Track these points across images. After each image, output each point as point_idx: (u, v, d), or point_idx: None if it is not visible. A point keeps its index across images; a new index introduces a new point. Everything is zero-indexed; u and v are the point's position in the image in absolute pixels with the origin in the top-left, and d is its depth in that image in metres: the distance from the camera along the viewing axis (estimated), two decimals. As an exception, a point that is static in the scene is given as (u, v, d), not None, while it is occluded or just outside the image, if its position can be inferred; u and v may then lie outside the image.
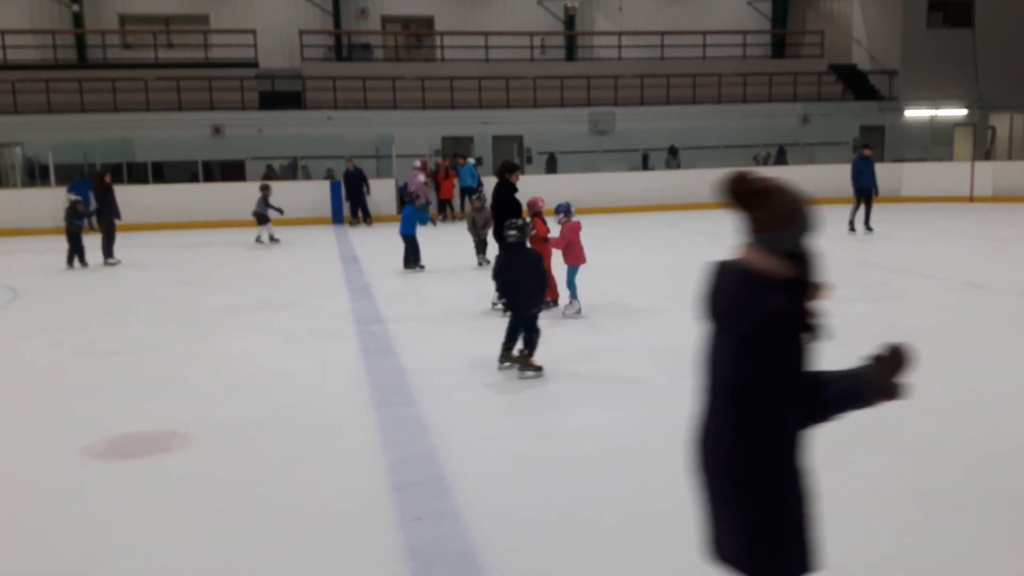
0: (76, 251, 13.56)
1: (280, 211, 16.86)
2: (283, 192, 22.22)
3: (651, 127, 26.76)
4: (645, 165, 26.34)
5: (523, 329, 6.42)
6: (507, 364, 6.55)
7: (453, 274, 12.09)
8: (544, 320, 7.13)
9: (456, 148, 25.39)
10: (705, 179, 24.19)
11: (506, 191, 9.04)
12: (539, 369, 6.35)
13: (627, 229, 18.34)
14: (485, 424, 5.35)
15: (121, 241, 14.89)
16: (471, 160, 22.05)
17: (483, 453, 4.81)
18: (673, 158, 26.10)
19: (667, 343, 7.37)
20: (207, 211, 21.41)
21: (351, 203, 21.11)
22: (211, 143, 24.74)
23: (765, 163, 26.99)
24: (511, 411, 5.64)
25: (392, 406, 5.78)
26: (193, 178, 23.71)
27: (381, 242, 16.93)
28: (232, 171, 23.79)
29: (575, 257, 8.67)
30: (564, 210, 8.72)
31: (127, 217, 15.48)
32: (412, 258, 12.58)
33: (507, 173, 9.07)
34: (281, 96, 26.83)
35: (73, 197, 14.10)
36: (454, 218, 21.91)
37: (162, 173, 25.00)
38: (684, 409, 3.47)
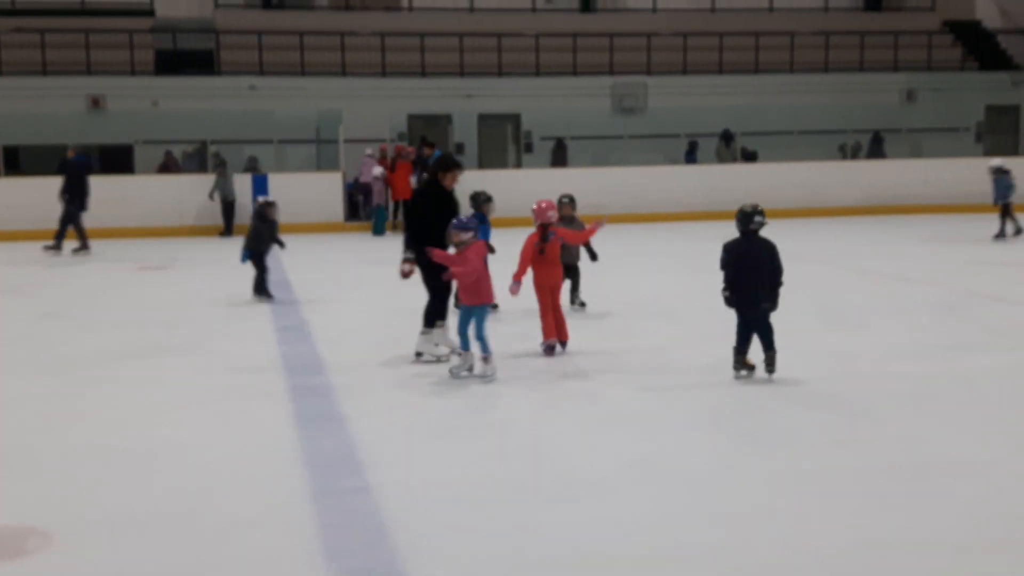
0: None
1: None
2: (185, 189, 22.31)
3: (697, 104, 26.98)
4: (691, 156, 26.40)
5: (755, 330, 7.93)
6: (744, 373, 8.05)
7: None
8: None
9: (428, 131, 25.53)
10: (772, 176, 24.40)
11: (434, 195, 9.10)
12: (749, 368, 8.04)
13: (664, 245, 18.37)
14: (464, 517, 5.29)
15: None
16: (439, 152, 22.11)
17: (465, 560, 4.74)
18: (726, 147, 26.28)
19: (738, 425, 7.33)
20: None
21: (67, 212, 18.41)
22: (87, 120, 24.83)
23: (855, 155, 27.18)
24: (481, 500, 5.57)
25: (338, 495, 5.71)
26: (62, 168, 23.72)
27: (326, 261, 16.90)
28: (116, 159, 23.85)
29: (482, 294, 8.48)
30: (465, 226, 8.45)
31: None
32: (260, 284, 12.61)
33: (442, 172, 9.13)
34: (185, 57, 26.99)
35: None
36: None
37: (17, 161, 25.03)
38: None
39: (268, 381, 8.50)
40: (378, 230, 21.63)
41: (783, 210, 23.49)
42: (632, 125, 27.02)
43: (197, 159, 24.66)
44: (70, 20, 26.17)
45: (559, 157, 26.37)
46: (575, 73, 27.69)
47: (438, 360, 9.06)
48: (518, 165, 27.07)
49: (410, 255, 8.87)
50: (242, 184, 21.78)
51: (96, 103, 25.06)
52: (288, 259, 17.02)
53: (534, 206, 9.33)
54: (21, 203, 21.25)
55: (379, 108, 25.44)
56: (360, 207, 23.75)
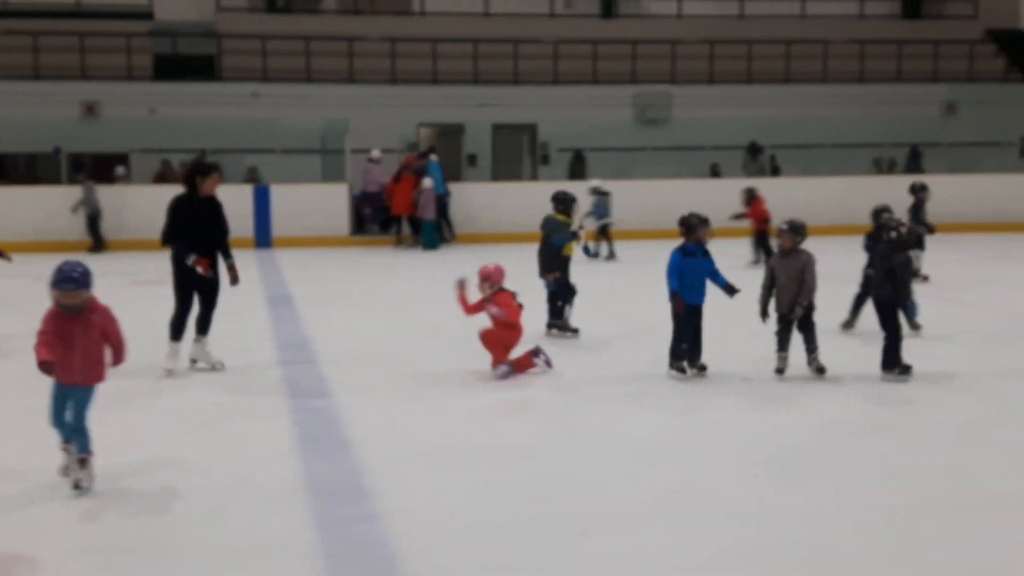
0: None
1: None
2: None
3: (723, 115, 26.97)
4: (715, 172, 26.42)
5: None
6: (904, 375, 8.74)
7: (437, 323, 12.06)
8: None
9: (437, 142, 25.57)
10: (802, 191, 24.31)
11: (189, 201, 9.57)
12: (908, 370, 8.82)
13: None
14: (477, 550, 5.26)
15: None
16: (434, 157, 22.05)
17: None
18: (753, 160, 26.26)
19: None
20: (70, 227, 21.45)
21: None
22: (82, 128, 24.97)
23: (891, 171, 27.10)
24: (495, 531, 5.53)
25: (343, 523, 5.70)
26: (54, 177, 23.90)
27: (331, 277, 16.93)
28: (112, 168, 23.93)
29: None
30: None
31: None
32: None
33: (198, 176, 9.55)
34: (185, 62, 27.14)
35: None
36: (418, 243, 21.68)
37: (5, 169, 25.17)
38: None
39: (270, 403, 8.51)
40: (429, 244, 21.37)
41: (814, 227, 23.40)
42: (655, 137, 27.01)
43: (196, 169, 24.72)
44: (64, 22, 26.34)
45: (577, 169, 26.33)
46: (595, 82, 27.69)
47: (212, 367, 9.56)
48: (534, 177, 27.07)
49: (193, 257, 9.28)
50: (242, 195, 21.81)
51: (91, 110, 25.18)
52: (291, 274, 17.03)
53: (483, 270, 9.40)
54: (10, 212, 21.27)
55: (388, 117, 25.49)
56: (366, 220, 23.77)
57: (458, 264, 15.87)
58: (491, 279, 9.31)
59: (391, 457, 6.93)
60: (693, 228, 8.97)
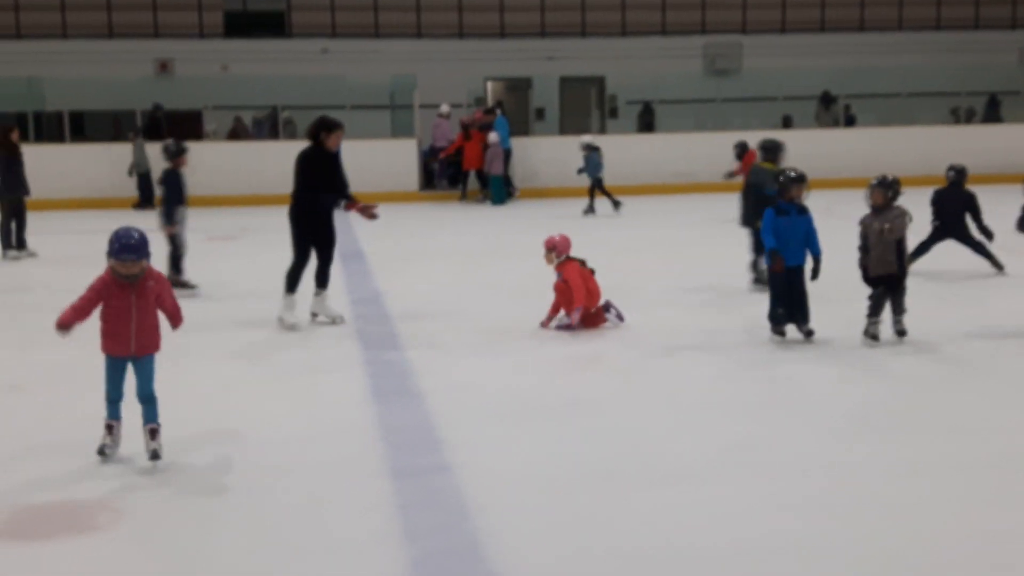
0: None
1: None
2: (255, 156, 22.56)
3: (795, 65, 26.49)
4: (787, 123, 26.03)
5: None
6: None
7: (503, 276, 12.09)
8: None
9: (504, 96, 25.48)
10: (876, 142, 23.91)
11: (316, 156, 9.70)
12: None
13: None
14: (547, 503, 5.30)
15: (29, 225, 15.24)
16: (501, 112, 21.97)
17: (549, 548, 4.75)
18: (826, 111, 25.84)
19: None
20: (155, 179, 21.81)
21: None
22: (155, 85, 25.25)
23: (968, 120, 26.51)
24: (565, 484, 5.56)
25: (417, 474, 5.76)
26: (157, 134, 24.07)
27: (402, 232, 17.03)
28: (185, 125, 24.23)
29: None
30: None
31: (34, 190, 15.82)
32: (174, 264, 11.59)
33: (323, 132, 9.70)
34: (256, 19, 27.29)
35: None
36: (489, 198, 21.67)
37: (83, 127, 25.52)
38: None
39: (344, 355, 8.61)
40: (497, 198, 21.46)
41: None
42: (725, 88, 26.65)
43: (266, 126, 24.92)
44: (137, -20, 26.59)
45: (646, 122, 26.13)
46: (664, 32, 27.40)
47: (333, 321, 9.67)
48: (602, 131, 26.91)
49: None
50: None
51: (164, 67, 25.47)
52: (363, 230, 17.14)
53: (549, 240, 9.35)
54: (86, 170, 21.65)
55: (455, 71, 25.44)
56: (435, 175, 23.83)
57: (527, 220, 15.91)
58: (557, 249, 9.25)
59: (462, 410, 6.97)
60: (786, 186, 8.50)
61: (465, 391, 7.46)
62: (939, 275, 11.36)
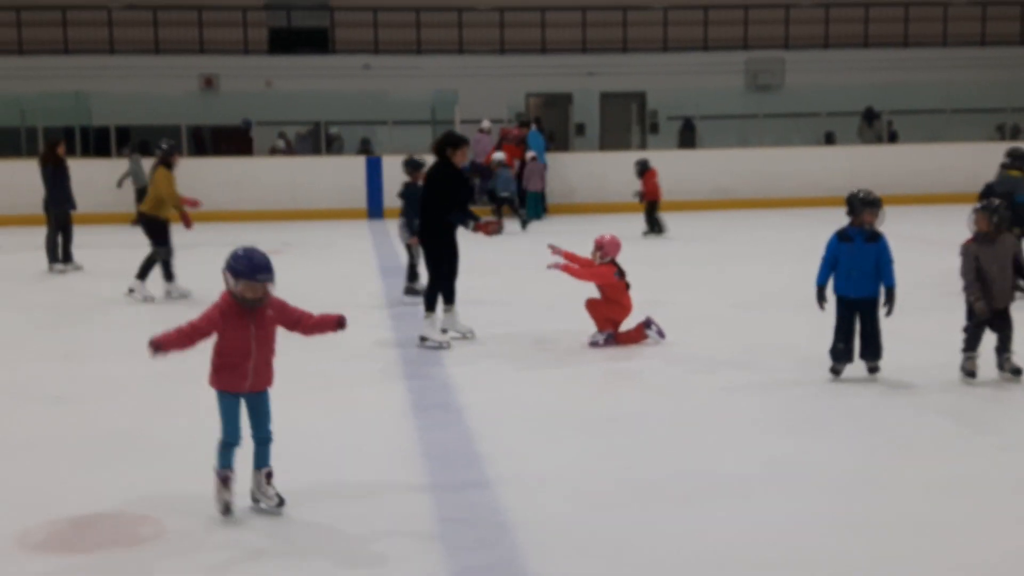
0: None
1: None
2: (299, 171, 22.72)
3: (839, 81, 26.35)
4: (829, 139, 25.90)
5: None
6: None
7: (540, 292, 12.09)
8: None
9: (543, 112, 25.50)
10: (920, 158, 23.71)
11: (448, 174, 9.47)
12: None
13: (801, 233, 18.01)
14: (587, 517, 5.27)
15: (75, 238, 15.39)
16: (535, 127, 21.92)
17: (589, 564, 4.72)
18: (869, 127, 25.64)
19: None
20: (196, 195, 21.96)
21: None
22: (200, 100, 25.52)
23: (1014, 136, 26.21)
24: (605, 499, 5.53)
25: (456, 488, 5.75)
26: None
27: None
28: (230, 140, 24.49)
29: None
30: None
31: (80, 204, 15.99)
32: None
33: (449, 148, 9.45)
34: (299, 35, 27.56)
35: None
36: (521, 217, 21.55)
37: (129, 141, 25.78)
38: None
39: (384, 368, 8.64)
40: (534, 213, 21.33)
41: (932, 195, 22.83)
42: (767, 104, 26.52)
43: (309, 141, 25.09)
44: (183, -2, 26.93)
45: (687, 138, 26.04)
46: (706, 48, 27.33)
47: (440, 346, 9.29)
48: (643, 147, 26.86)
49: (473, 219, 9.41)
50: (355, 166, 22.06)
51: (209, 83, 25.72)
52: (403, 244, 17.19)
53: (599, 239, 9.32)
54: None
55: (496, 87, 25.52)
56: (476, 190, 23.84)
57: (563, 235, 15.88)
58: (603, 249, 9.24)
59: (502, 424, 6.98)
60: (856, 209, 7.66)
61: (506, 406, 7.47)
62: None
